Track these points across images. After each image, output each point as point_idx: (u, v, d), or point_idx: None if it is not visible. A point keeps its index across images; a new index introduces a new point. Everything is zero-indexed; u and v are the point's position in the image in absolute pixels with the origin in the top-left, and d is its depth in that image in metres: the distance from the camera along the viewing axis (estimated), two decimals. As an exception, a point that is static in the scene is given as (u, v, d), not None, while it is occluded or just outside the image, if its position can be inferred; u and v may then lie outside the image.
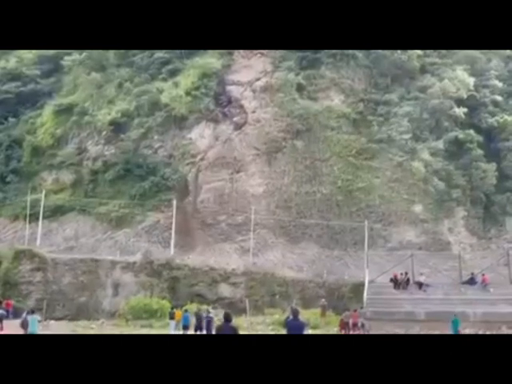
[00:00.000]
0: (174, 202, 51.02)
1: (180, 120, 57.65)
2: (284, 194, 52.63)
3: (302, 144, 54.18)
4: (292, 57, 58.37)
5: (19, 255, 47.74)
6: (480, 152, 52.29)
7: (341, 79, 57.53)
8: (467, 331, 30.86)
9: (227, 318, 11.16)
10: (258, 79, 58.53)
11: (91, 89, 63.07)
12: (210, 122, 57.36)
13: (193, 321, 31.32)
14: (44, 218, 53.17)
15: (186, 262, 48.19)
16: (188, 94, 57.77)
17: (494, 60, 60.41)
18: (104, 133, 59.54)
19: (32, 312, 24.90)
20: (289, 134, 54.72)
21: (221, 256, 49.90)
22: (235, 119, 56.84)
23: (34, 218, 53.12)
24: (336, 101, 56.61)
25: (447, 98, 54.25)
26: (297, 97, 56.16)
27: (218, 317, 30.07)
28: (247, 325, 34.05)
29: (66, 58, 66.06)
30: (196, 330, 30.29)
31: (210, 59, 59.44)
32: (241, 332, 11.51)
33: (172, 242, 49.84)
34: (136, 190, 54.74)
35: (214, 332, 27.14)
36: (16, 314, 40.06)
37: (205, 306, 38.31)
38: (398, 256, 43.24)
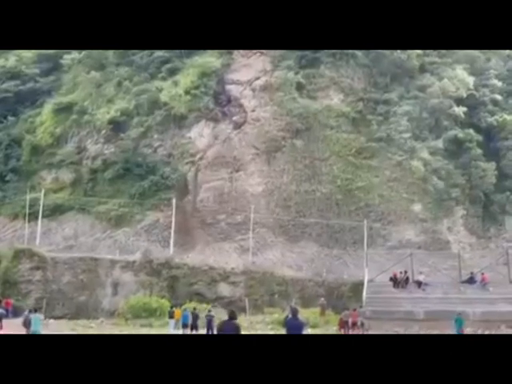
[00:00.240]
0: (174, 201, 51.01)
1: (179, 119, 57.64)
2: (283, 193, 52.63)
3: (302, 143, 54.17)
4: (291, 56, 58.31)
5: (19, 254, 47.72)
6: (479, 151, 52.34)
7: (340, 78, 57.49)
8: (467, 330, 30.85)
9: (231, 316, 11.19)
10: (257, 78, 58.49)
11: (91, 88, 63.06)
12: (210, 121, 57.35)
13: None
14: (43, 216, 53.13)
15: (185, 261, 48.20)
16: (187, 92, 57.74)
17: (493, 59, 60.47)
18: (103, 132, 59.52)
19: (34, 311, 24.87)
20: (288, 133, 54.70)
21: (220, 255, 49.92)
22: (235, 118, 56.82)
23: (33, 216, 53.08)
24: (335, 100, 56.59)
25: (447, 97, 54.29)
26: (296, 96, 56.13)
27: (217, 316, 30.18)
28: (247, 324, 34.06)
29: (66, 56, 66.09)
30: (192, 329, 30.32)
31: (210, 58, 59.41)
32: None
33: (171, 241, 49.84)
34: (135, 189, 54.75)
35: (215, 330, 27.28)
36: (15, 313, 40.10)
37: (204, 305, 38.43)
38: (398, 255, 43.29)
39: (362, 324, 34.72)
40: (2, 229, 57.57)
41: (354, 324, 35.01)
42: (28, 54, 68.80)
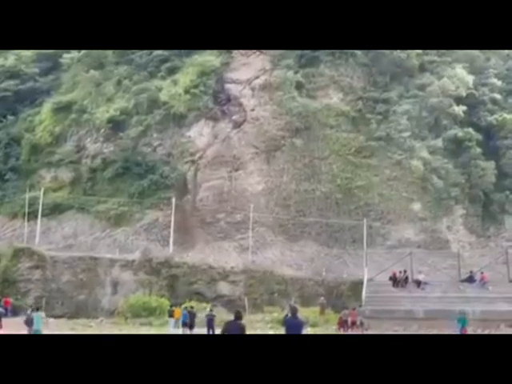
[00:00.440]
0: (173, 200, 50.98)
1: (179, 118, 57.60)
2: (283, 192, 52.62)
3: (301, 142, 54.15)
4: (291, 55, 58.25)
5: (18, 253, 47.73)
6: (479, 150, 52.34)
7: (340, 77, 57.45)
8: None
9: (237, 316, 11.30)
10: (256, 77, 58.45)
11: (90, 87, 62.99)
12: (209, 120, 57.32)
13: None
14: (43, 216, 53.11)
15: (184, 260, 48.20)
16: (187, 91, 57.71)
17: (492, 58, 60.47)
18: (103, 131, 59.49)
19: (36, 309, 24.84)
20: (288, 132, 54.69)
21: (220, 254, 49.92)
22: (234, 117, 56.81)
23: (32, 216, 53.05)
24: (335, 99, 56.57)
25: (446, 96, 54.28)
26: (296, 95, 56.10)
27: (217, 315, 30.20)
28: (246, 323, 34.00)
29: (65, 55, 66.03)
30: (189, 328, 30.31)
31: (209, 57, 59.35)
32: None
33: (171, 240, 49.83)
34: (135, 188, 54.73)
35: (216, 330, 27.32)
36: (15, 311, 40.14)
37: (204, 304, 38.45)
38: (397, 254, 43.31)
39: (362, 323, 34.78)
40: (1, 228, 57.54)
41: (354, 323, 35.08)
42: (27, 53, 68.70)
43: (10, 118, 64.37)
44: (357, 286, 41.55)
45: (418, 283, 39.29)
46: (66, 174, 59.02)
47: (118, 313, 41.40)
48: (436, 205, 51.10)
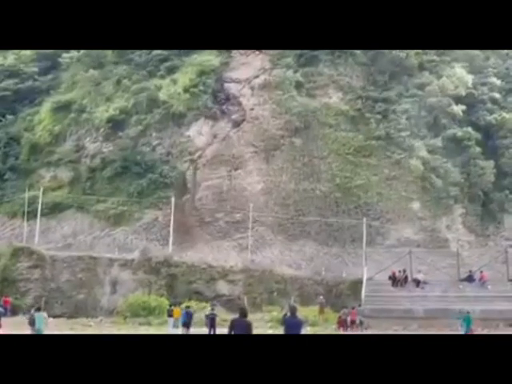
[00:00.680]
0: (173, 200, 50.95)
1: (178, 117, 57.55)
2: (282, 192, 52.61)
3: (300, 141, 54.15)
4: (290, 54, 58.20)
5: (17, 252, 47.69)
6: (478, 149, 52.35)
7: (339, 76, 57.43)
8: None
9: (242, 313, 11.39)
10: (256, 76, 58.43)
11: (89, 86, 62.93)
12: (208, 119, 57.29)
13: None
14: (42, 215, 53.04)
15: (184, 259, 48.17)
16: (186, 91, 57.67)
17: (492, 58, 60.42)
18: (102, 130, 59.42)
19: (39, 309, 24.89)
20: (287, 132, 54.68)
21: (219, 253, 49.92)
22: (233, 117, 56.78)
23: (31, 215, 53.01)
24: (334, 98, 56.55)
25: (445, 96, 54.26)
26: (295, 94, 56.08)
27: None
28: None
29: (64, 55, 65.87)
30: (188, 327, 30.26)
31: (208, 56, 59.31)
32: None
33: (170, 240, 49.80)
34: (134, 188, 54.67)
35: (217, 330, 27.35)
36: (14, 311, 40.13)
37: (203, 304, 38.46)
38: (396, 253, 43.34)
39: (361, 322, 34.83)
40: (0, 227, 57.52)
41: (353, 322, 35.12)
42: (27, 53, 68.59)
43: (10, 117, 64.23)
44: (356, 285, 41.59)
45: (418, 282, 39.34)
46: (65, 174, 58.95)
47: (117, 312, 41.40)
48: (435, 204, 51.11)
